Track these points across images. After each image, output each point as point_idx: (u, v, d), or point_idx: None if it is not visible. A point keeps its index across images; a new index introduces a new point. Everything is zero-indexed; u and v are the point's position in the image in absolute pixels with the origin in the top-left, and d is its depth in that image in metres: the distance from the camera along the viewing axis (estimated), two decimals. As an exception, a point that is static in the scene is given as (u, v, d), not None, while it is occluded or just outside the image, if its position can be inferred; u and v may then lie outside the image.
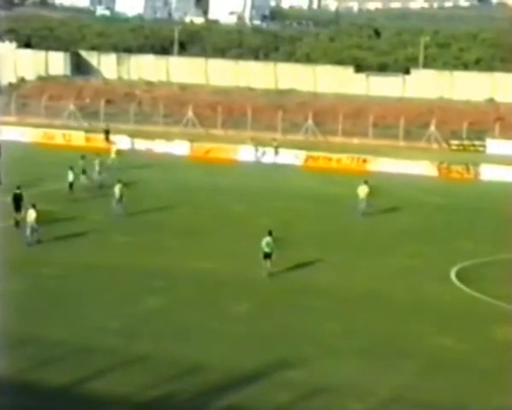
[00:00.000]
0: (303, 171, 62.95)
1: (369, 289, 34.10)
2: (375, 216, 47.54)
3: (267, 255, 35.10)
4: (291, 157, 65.14)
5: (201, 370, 25.67)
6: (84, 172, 51.04)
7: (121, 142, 68.14)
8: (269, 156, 65.45)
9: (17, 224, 41.26)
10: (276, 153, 65.46)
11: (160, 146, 67.72)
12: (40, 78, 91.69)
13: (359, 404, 24.07)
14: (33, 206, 39.16)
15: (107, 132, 68.34)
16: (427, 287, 34.66)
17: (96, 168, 51.44)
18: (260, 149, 65.91)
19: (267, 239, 35.20)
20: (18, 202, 41.52)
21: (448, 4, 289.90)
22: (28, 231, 38.78)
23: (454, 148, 72.84)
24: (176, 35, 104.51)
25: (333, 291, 33.75)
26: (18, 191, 41.94)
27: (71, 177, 48.71)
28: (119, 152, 59.24)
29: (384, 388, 24.91)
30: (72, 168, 49.05)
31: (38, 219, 38.76)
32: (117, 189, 45.12)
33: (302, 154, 65.55)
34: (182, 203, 49.06)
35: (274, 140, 66.76)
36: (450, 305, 32.47)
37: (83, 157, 52.08)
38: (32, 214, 38.75)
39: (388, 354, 27.48)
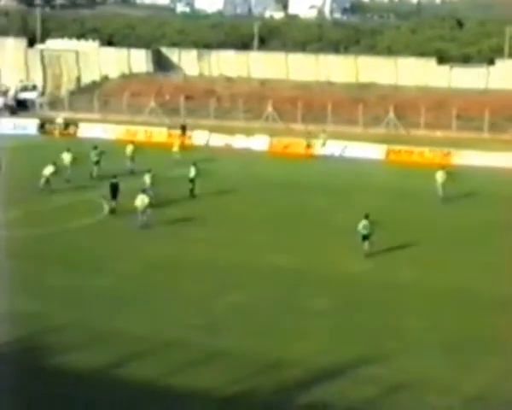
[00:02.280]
0: (385, 165, 62.21)
1: (453, 284, 33.46)
2: (460, 210, 46.70)
3: (365, 237, 36.43)
4: (372, 151, 64.44)
5: (282, 366, 25.52)
6: (97, 162, 52.05)
7: (200, 137, 68.57)
8: (350, 150, 64.81)
9: (112, 211, 43.36)
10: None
11: (238, 141, 67.77)
12: (122, 75, 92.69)
13: (443, 400, 23.62)
14: (143, 191, 41.68)
15: (183, 128, 68.90)
16: (513, 282, 33.83)
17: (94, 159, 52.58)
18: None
19: (364, 222, 36.68)
20: (115, 190, 43.83)
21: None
22: (140, 216, 40.67)
23: (540, 139, 70.95)
24: (256, 30, 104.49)
25: (417, 286, 33.23)
26: (114, 181, 44.17)
27: (193, 172, 48.42)
28: (182, 147, 60.07)
29: (468, 385, 24.38)
30: (195, 164, 48.82)
31: (149, 205, 40.81)
32: (147, 177, 46.00)
33: (383, 147, 64.78)
34: (259, 198, 48.95)
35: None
36: (538, 301, 31.58)
37: (95, 148, 53.42)
38: (144, 199, 40.73)
39: (473, 351, 26.87)
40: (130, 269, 34.76)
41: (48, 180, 47.74)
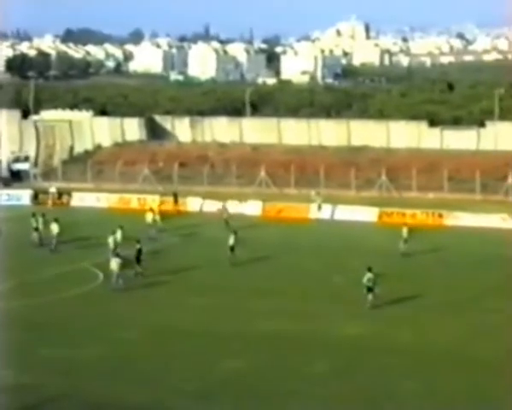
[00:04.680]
0: (377, 227, 62.28)
1: (449, 346, 33.31)
2: (452, 270, 46.79)
3: (369, 289, 37.97)
4: (365, 213, 64.58)
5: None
6: (36, 229, 52.86)
7: (193, 203, 68.80)
8: (343, 213, 64.99)
9: (137, 274, 44.22)
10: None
11: (232, 206, 67.83)
12: (116, 144, 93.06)
13: None
14: (117, 255, 42.96)
15: (175, 195, 69.34)
16: (510, 343, 33.62)
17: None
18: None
19: (368, 275, 38.42)
20: (138, 255, 44.87)
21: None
22: (115, 279, 41.60)
23: (532, 200, 71.13)
24: (247, 97, 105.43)
25: (412, 349, 33.04)
26: (138, 245, 45.11)
27: (231, 241, 48.41)
28: (162, 214, 59.68)
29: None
30: (236, 232, 48.98)
31: (122, 267, 41.55)
32: (111, 240, 47.24)
33: (376, 210, 64.93)
34: (254, 262, 48.89)
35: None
36: (535, 361, 31.38)
37: (33, 215, 54.52)
38: (118, 262, 41.84)
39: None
40: (126, 336, 34.50)
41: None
